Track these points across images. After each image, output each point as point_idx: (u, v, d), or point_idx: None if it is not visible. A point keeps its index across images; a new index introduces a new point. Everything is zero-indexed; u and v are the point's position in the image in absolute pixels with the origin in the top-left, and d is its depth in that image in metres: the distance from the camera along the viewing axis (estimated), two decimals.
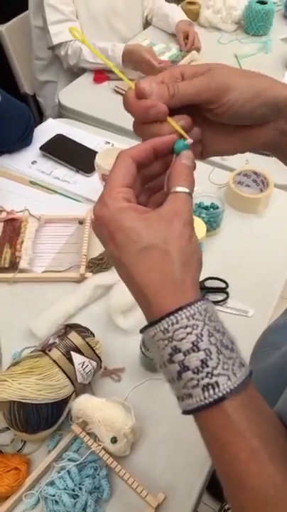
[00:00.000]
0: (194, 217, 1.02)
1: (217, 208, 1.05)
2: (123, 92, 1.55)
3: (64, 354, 0.72)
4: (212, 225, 1.03)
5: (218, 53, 1.78)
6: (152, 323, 0.35)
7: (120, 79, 1.52)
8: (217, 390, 0.33)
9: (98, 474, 0.68)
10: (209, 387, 0.33)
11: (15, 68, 1.85)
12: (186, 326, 0.34)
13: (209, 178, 1.19)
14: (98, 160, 1.02)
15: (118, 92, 1.55)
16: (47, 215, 1.05)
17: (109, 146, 1.29)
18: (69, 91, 1.59)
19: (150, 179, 0.42)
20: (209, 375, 0.33)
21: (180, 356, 0.34)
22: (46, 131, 1.32)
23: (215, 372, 0.33)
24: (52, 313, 0.87)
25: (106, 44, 1.52)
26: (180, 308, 0.34)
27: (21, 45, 1.82)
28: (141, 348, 0.79)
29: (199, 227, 0.99)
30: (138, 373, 0.82)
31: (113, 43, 1.52)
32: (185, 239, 0.36)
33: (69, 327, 0.77)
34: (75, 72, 1.69)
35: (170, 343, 0.34)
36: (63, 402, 0.71)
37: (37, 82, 1.84)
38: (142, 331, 0.37)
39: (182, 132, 0.40)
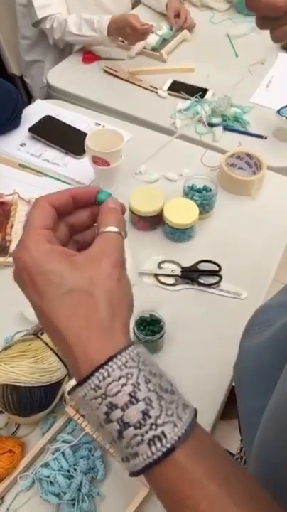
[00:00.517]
0: (187, 199, 1.03)
1: (210, 190, 1.04)
2: (114, 73, 1.53)
3: None
4: (205, 207, 1.03)
5: (210, 33, 1.75)
6: (80, 382, 0.31)
7: (110, 59, 1.51)
8: (164, 441, 0.30)
9: (92, 455, 0.68)
10: (156, 439, 0.30)
11: (1, 48, 1.81)
12: (119, 378, 0.30)
13: (201, 161, 1.18)
14: (88, 142, 1.01)
15: (108, 73, 1.52)
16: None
17: (99, 128, 1.27)
18: (57, 71, 1.55)
19: (79, 230, 0.40)
20: (154, 426, 0.30)
21: (117, 413, 0.30)
22: (35, 112, 1.29)
23: (159, 421, 0.30)
24: None
25: (93, 16, 1.48)
26: (110, 359, 0.31)
27: (7, 25, 1.77)
28: (133, 330, 0.79)
29: (192, 210, 0.98)
30: None
31: (99, 15, 1.48)
32: (114, 280, 0.34)
33: None
34: (63, 51, 1.65)
35: (104, 400, 0.30)
36: (56, 385, 0.71)
37: (23, 62, 1.80)
38: (70, 392, 0.33)
39: None
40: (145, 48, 1.61)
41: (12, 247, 0.94)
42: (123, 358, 0.31)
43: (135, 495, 0.65)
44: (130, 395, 0.30)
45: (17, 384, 0.66)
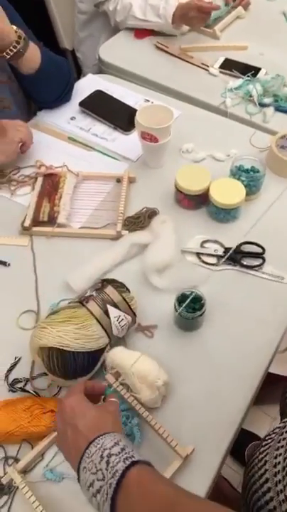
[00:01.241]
0: (234, 180, 1.05)
1: (258, 171, 1.02)
2: (166, 49, 1.51)
3: (100, 307, 0.74)
4: (252, 189, 1.01)
5: (265, 11, 1.69)
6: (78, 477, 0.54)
7: (162, 34, 1.48)
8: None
9: (130, 422, 0.71)
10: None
11: (55, 23, 1.81)
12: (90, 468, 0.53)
13: (250, 141, 1.16)
14: (138, 117, 1.01)
15: (159, 48, 1.50)
16: (86, 171, 1.05)
17: (150, 103, 1.26)
18: (109, 46, 1.55)
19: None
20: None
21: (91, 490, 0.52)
22: (86, 86, 1.30)
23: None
24: (89, 269, 0.89)
25: (158, 1, 1.46)
26: (82, 458, 0.54)
27: None
28: (174, 306, 0.80)
29: (239, 190, 0.97)
30: (170, 331, 0.84)
31: (165, 0, 1.46)
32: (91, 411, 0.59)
33: (107, 281, 0.79)
34: (117, 28, 1.64)
35: (93, 475, 0.52)
36: (98, 352, 0.73)
37: (77, 37, 1.80)
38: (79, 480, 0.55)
39: None
40: None
41: (60, 218, 0.96)
42: (87, 459, 0.54)
43: (169, 464, 0.67)
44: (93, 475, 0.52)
45: (63, 348, 0.69)
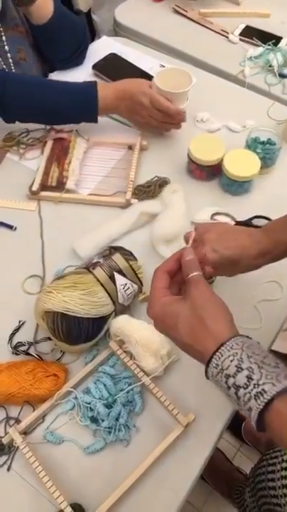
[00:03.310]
0: (249, 151, 1.04)
1: (274, 144, 0.99)
2: (184, 12, 1.45)
3: (107, 274, 0.73)
4: (267, 162, 0.98)
5: None
6: (207, 363, 0.47)
7: None
8: (265, 395, 0.41)
9: (132, 389, 0.71)
10: (259, 394, 0.42)
11: None
12: (228, 356, 0.45)
13: (267, 113, 1.12)
14: (156, 80, 0.97)
15: (178, 12, 1.44)
16: (96, 137, 1.03)
17: (168, 67, 1.22)
18: (126, 8, 1.49)
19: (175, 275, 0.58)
20: (256, 386, 0.42)
21: (231, 380, 0.44)
22: (100, 49, 1.26)
23: (260, 382, 0.42)
24: (96, 236, 0.88)
25: None
26: (221, 345, 0.46)
27: None
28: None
29: (253, 163, 0.94)
30: None
31: None
32: (207, 299, 0.50)
33: (114, 249, 0.77)
34: None
35: (222, 372, 0.45)
36: (103, 319, 0.73)
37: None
38: (206, 374, 0.48)
39: None
40: None
41: (68, 183, 0.94)
42: (230, 344, 0.46)
43: (169, 433, 0.68)
44: (236, 366, 0.44)
45: (67, 313, 0.68)
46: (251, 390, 0.42)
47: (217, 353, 0.46)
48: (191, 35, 1.38)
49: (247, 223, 0.92)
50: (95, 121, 1.00)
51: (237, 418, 0.80)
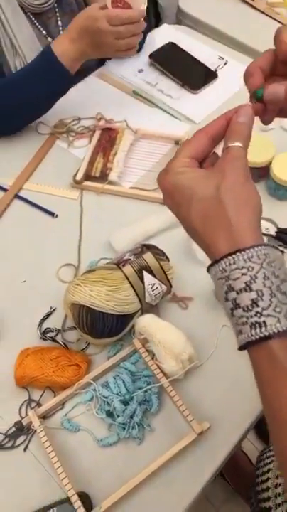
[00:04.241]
0: None
1: None
2: (252, 3, 1.39)
3: (136, 272, 0.73)
4: None
5: None
6: (213, 263, 0.39)
7: None
8: (263, 329, 0.35)
9: (150, 389, 0.71)
10: (257, 325, 0.36)
11: None
12: (242, 267, 0.37)
13: None
14: None
15: (245, 2, 1.39)
16: (144, 129, 1.02)
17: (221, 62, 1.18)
18: None
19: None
20: (258, 315, 0.36)
21: (233, 294, 0.37)
22: (159, 37, 1.23)
23: (265, 312, 0.36)
24: (133, 230, 0.88)
25: None
26: (239, 251, 0.37)
27: None
28: None
29: None
30: (205, 306, 0.82)
31: None
32: (239, 184, 0.39)
33: (146, 247, 0.77)
34: None
35: (226, 281, 0.37)
36: (128, 317, 0.73)
37: None
38: (207, 269, 0.40)
39: None
40: None
41: (111, 175, 0.95)
42: (249, 253, 0.37)
43: (182, 437, 0.68)
44: (246, 283, 0.36)
45: (92, 307, 0.69)
46: (251, 316, 0.36)
47: (230, 258, 0.37)
48: (257, 26, 1.32)
49: None
50: (74, 81, 0.98)
51: (264, 419, 0.77)
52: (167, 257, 0.78)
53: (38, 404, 0.73)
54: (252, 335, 0.36)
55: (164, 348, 0.71)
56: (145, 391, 0.71)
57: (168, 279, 0.75)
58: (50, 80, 0.95)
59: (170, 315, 0.81)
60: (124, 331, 0.75)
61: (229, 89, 1.11)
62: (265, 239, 0.89)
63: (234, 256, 0.37)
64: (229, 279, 0.37)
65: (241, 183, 0.40)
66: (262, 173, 0.94)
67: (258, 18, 1.35)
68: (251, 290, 0.36)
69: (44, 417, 0.72)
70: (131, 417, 0.69)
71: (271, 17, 1.34)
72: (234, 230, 0.38)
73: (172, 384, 0.71)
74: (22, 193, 0.96)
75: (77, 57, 0.94)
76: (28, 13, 1.02)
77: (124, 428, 0.69)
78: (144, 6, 0.90)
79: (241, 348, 0.38)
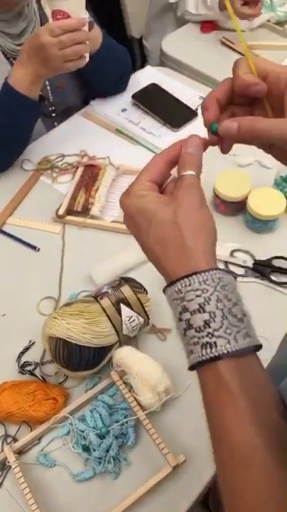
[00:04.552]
0: (276, 190, 0.98)
1: None
2: (232, 45, 1.46)
3: (114, 304, 0.74)
4: None
5: None
6: (169, 284, 0.40)
7: (228, 29, 1.41)
8: (213, 349, 0.36)
9: (127, 422, 0.71)
10: (208, 345, 0.37)
11: (125, 10, 1.81)
12: (197, 289, 0.38)
13: None
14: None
15: (225, 44, 1.46)
16: (126, 165, 1.06)
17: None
18: (173, 38, 1.52)
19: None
20: (210, 335, 0.37)
21: (187, 315, 0.38)
22: (143, 78, 1.29)
23: (216, 333, 0.37)
24: (112, 263, 0.90)
25: None
26: (194, 273, 0.38)
27: None
28: None
29: (279, 202, 0.93)
30: None
31: None
32: (194, 210, 0.41)
33: (124, 280, 0.79)
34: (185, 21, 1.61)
35: (181, 302, 0.38)
36: (106, 349, 0.74)
37: (148, 27, 1.79)
38: (163, 290, 0.41)
39: (270, 112, 0.45)
40: (269, 21, 1.51)
41: (93, 210, 0.97)
42: (204, 276, 0.38)
43: (158, 471, 0.67)
44: (199, 305, 0.37)
45: (69, 340, 0.70)
46: (203, 336, 0.37)
47: (186, 280, 0.38)
48: None
49: (266, 264, 0.90)
50: (38, 106, 0.99)
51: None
52: (145, 290, 0.80)
53: (14, 440, 0.73)
54: (203, 355, 0.37)
55: (141, 380, 0.72)
56: (122, 424, 0.71)
57: (145, 312, 0.77)
58: (12, 111, 0.97)
59: (149, 346, 0.81)
60: (102, 363, 0.75)
61: None
62: (242, 270, 0.91)
63: (189, 278, 0.38)
64: (183, 300, 0.38)
65: (197, 209, 0.42)
66: (239, 207, 0.97)
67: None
68: (204, 311, 0.37)
69: (20, 452, 0.72)
70: (107, 451, 0.69)
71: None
72: (191, 254, 0.40)
73: (149, 416, 0.71)
74: (5, 228, 0.99)
75: (33, 80, 0.94)
76: (11, 59, 1.07)
77: (100, 462, 0.69)
78: (85, 15, 0.91)
79: (191, 368, 0.39)
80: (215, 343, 0.36)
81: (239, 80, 0.43)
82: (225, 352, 0.36)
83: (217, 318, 0.37)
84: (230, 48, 1.45)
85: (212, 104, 0.45)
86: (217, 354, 0.36)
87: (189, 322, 0.38)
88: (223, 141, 0.46)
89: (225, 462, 0.37)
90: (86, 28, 0.90)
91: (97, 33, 1.07)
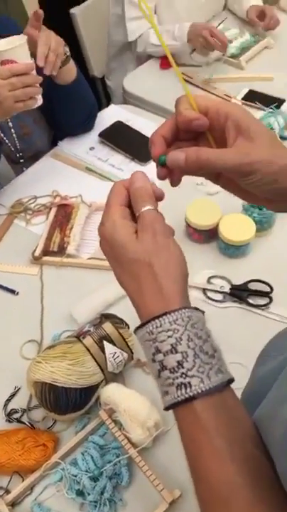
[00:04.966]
0: (245, 216, 0.99)
1: None
2: (190, 80, 1.53)
3: (96, 342, 0.75)
4: (263, 225, 1.00)
5: None
6: (141, 325, 0.40)
7: (187, 65, 1.48)
8: (188, 389, 0.37)
9: (119, 462, 0.70)
10: (183, 386, 0.37)
11: (85, 51, 1.87)
12: (168, 330, 0.38)
13: None
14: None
15: (184, 79, 1.52)
16: (99, 202, 1.08)
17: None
18: (134, 76, 1.59)
19: None
20: (184, 376, 0.37)
21: (160, 356, 0.38)
22: (108, 117, 1.34)
23: (189, 373, 0.37)
24: (93, 301, 0.90)
25: (173, 26, 1.50)
26: (165, 314, 0.39)
27: (93, 29, 1.83)
28: None
29: (249, 227, 0.96)
30: None
31: (180, 23, 1.49)
32: (164, 247, 0.42)
33: (105, 317, 0.79)
34: (143, 60, 1.68)
35: (153, 343, 0.38)
36: (92, 388, 0.74)
37: (108, 66, 1.86)
38: (135, 331, 0.41)
39: (213, 144, 0.46)
40: (224, 55, 1.59)
41: (69, 248, 0.99)
42: (174, 316, 0.38)
43: (155, 508, 0.66)
44: (172, 345, 0.38)
45: (55, 383, 0.70)
46: (177, 377, 0.37)
47: (157, 321, 0.39)
48: None
49: (243, 288, 0.92)
50: None
51: None
52: (126, 324, 0.81)
53: (6, 491, 0.71)
54: (178, 396, 0.37)
55: (129, 417, 0.72)
56: (115, 464, 0.70)
57: (128, 346, 0.77)
58: None
59: (135, 381, 0.82)
60: (89, 403, 0.75)
61: None
62: (220, 296, 0.93)
63: (160, 319, 0.38)
64: (156, 341, 0.38)
65: (166, 247, 0.42)
66: (211, 234, 1.00)
67: (196, 92, 1.48)
68: (176, 352, 0.37)
69: (13, 504, 0.70)
70: (102, 493, 0.68)
71: (208, 91, 1.47)
72: (162, 294, 0.40)
73: (141, 453, 0.71)
74: None
75: None
76: None
77: (96, 506, 0.67)
78: (30, 61, 0.97)
79: (167, 408, 0.39)
80: (189, 383, 0.37)
81: (181, 116, 0.45)
82: (199, 391, 0.36)
83: (189, 357, 0.37)
84: (189, 82, 1.52)
85: (158, 139, 0.46)
86: (191, 394, 0.36)
87: (162, 363, 0.38)
88: (172, 174, 0.47)
89: (206, 501, 0.37)
90: (34, 72, 0.96)
91: (72, 65, 1.13)
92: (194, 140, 0.48)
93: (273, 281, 0.93)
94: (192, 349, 0.37)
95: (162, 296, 0.40)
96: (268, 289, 0.92)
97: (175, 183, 0.49)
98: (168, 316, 0.38)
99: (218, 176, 0.49)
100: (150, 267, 0.40)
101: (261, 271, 0.95)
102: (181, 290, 0.41)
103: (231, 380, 0.39)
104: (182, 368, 0.37)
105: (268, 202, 0.47)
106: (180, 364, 0.37)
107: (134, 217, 0.45)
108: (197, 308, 0.41)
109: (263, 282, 0.93)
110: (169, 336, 0.38)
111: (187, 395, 0.36)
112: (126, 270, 0.42)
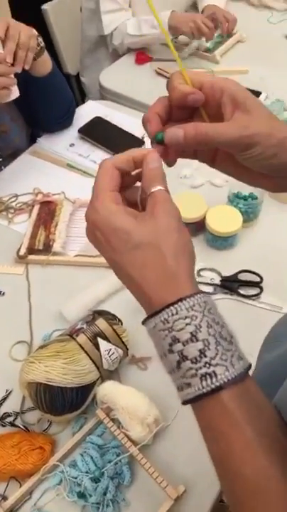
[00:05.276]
0: (230, 207, 0.99)
1: (256, 198, 1.01)
2: (166, 74, 1.52)
3: (90, 340, 0.73)
4: (249, 215, 1.00)
5: (267, 34, 1.70)
6: (153, 314, 0.37)
7: (162, 60, 1.48)
8: (214, 379, 0.34)
9: (120, 461, 0.69)
10: (207, 376, 0.34)
11: (58, 48, 1.84)
12: (185, 317, 0.35)
13: None
14: None
15: (160, 74, 1.52)
16: (83, 199, 1.05)
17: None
18: (110, 72, 1.57)
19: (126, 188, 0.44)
20: (207, 365, 0.35)
21: (179, 346, 0.35)
22: (86, 113, 1.31)
23: (213, 362, 0.35)
24: (83, 298, 0.88)
25: (151, 15, 1.49)
26: (180, 300, 0.36)
27: (66, 25, 1.81)
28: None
29: (235, 218, 0.96)
30: None
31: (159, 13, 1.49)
32: (174, 230, 0.38)
33: (98, 313, 0.78)
34: (119, 55, 1.67)
35: (169, 333, 0.36)
36: (88, 387, 0.72)
37: (82, 63, 1.83)
38: (144, 321, 0.38)
39: (207, 121, 0.45)
40: (198, 49, 1.59)
41: (55, 246, 0.96)
42: (191, 302, 0.36)
43: (159, 505, 0.65)
44: (191, 333, 0.35)
45: (50, 383, 0.68)
46: (200, 367, 0.34)
47: (172, 308, 0.36)
48: None
49: (233, 279, 0.92)
50: None
51: None
52: (119, 320, 0.79)
53: (4, 498, 0.68)
54: (203, 387, 0.34)
55: (128, 414, 0.70)
56: (116, 463, 0.68)
57: (123, 342, 0.75)
58: None
59: (131, 378, 0.80)
60: (86, 402, 0.73)
61: None
62: (211, 288, 0.93)
63: (175, 306, 0.35)
64: (172, 330, 0.35)
65: (177, 229, 0.39)
66: (199, 227, 0.99)
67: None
68: (197, 340, 0.35)
69: (12, 510, 0.67)
70: (104, 494, 0.66)
71: None
72: (175, 279, 0.37)
73: (142, 450, 0.69)
74: None
75: None
76: None
77: (99, 507, 0.65)
78: (1, 50, 0.96)
79: (187, 402, 0.36)
80: (214, 372, 0.34)
81: (175, 91, 0.43)
82: (226, 380, 0.34)
83: (211, 345, 0.35)
84: (164, 76, 1.51)
85: (153, 116, 0.44)
86: (218, 384, 0.34)
87: (182, 353, 0.35)
88: (168, 153, 0.45)
89: (240, 495, 0.35)
90: (7, 63, 0.95)
91: (47, 57, 1.10)
92: (187, 120, 0.45)
93: (263, 270, 0.93)
94: (213, 336, 0.35)
95: (176, 282, 0.37)
96: (258, 279, 0.92)
97: (171, 163, 0.46)
98: (184, 303, 0.35)
99: (214, 155, 0.47)
100: (159, 249, 0.37)
101: (250, 261, 0.95)
102: (193, 275, 0.39)
103: (250, 366, 0.37)
104: (205, 356, 0.35)
105: (265, 179, 0.45)
106: (202, 353, 0.35)
107: (126, 202, 0.42)
108: (208, 293, 0.39)
109: (253, 272, 0.93)
110: (187, 324, 0.35)
111: (213, 386, 0.34)
112: (130, 257, 0.38)
